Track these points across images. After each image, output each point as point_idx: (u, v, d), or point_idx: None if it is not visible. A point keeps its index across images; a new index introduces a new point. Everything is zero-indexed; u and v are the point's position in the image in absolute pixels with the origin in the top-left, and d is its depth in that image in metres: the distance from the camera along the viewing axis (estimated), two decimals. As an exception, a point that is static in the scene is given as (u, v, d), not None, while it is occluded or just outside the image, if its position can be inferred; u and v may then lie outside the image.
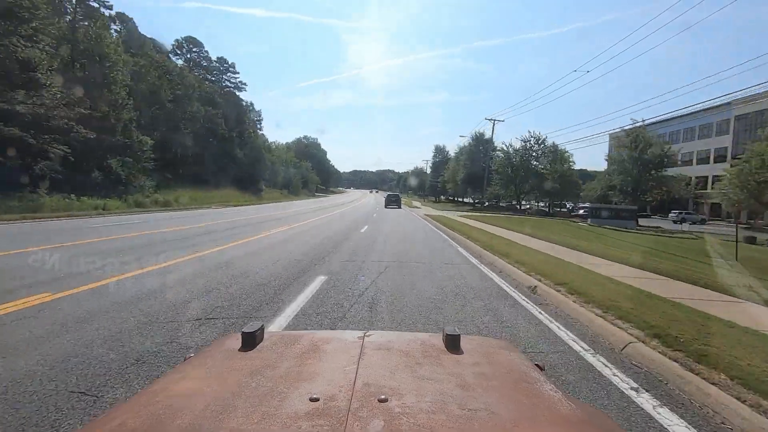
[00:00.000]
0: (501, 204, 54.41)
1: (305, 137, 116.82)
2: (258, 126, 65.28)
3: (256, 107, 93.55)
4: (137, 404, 0.79)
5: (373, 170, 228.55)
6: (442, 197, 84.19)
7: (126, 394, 2.64)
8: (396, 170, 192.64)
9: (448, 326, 1.15)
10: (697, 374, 3.02)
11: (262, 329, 1.11)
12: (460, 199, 75.07)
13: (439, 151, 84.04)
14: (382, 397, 0.78)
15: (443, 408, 0.76)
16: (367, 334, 1.16)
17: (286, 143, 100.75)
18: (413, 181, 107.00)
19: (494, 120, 47.54)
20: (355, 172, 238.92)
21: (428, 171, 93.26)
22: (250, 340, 1.06)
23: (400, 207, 34.89)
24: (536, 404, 0.81)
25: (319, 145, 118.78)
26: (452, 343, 1.08)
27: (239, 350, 1.04)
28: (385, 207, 34.17)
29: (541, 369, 1.06)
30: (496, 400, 0.81)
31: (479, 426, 0.71)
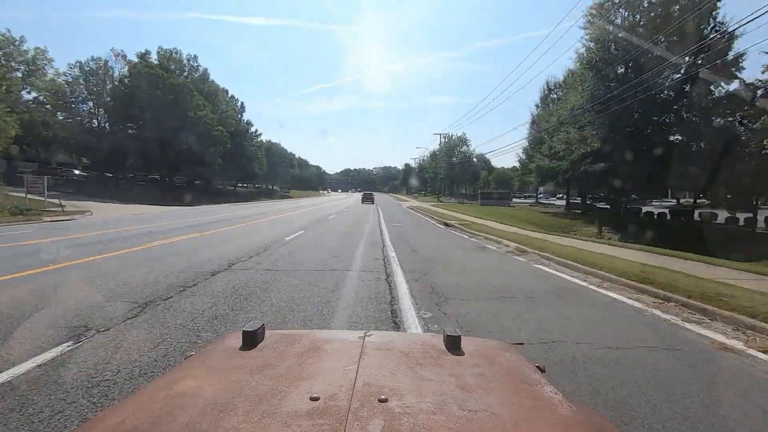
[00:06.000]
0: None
1: (175, 49, 46.16)
2: None
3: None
4: (138, 402, 0.79)
5: (370, 168, 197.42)
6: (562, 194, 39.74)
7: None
8: (398, 167, 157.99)
9: (449, 327, 1.16)
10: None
11: (263, 328, 1.11)
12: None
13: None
14: (383, 397, 0.78)
15: (443, 408, 0.76)
16: (367, 334, 1.17)
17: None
18: (424, 172, 72.62)
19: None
20: (346, 172, 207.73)
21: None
22: (251, 339, 1.06)
23: (373, 203, 43.53)
24: (536, 406, 0.82)
25: (209, 78, 50.06)
26: (453, 344, 1.09)
27: (240, 349, 1.04)
28: (362, 203, 43.59)
29: (542, 371, 1.07)
30: (496, 402, 0.81)
31: (479, 427, 0.71)
